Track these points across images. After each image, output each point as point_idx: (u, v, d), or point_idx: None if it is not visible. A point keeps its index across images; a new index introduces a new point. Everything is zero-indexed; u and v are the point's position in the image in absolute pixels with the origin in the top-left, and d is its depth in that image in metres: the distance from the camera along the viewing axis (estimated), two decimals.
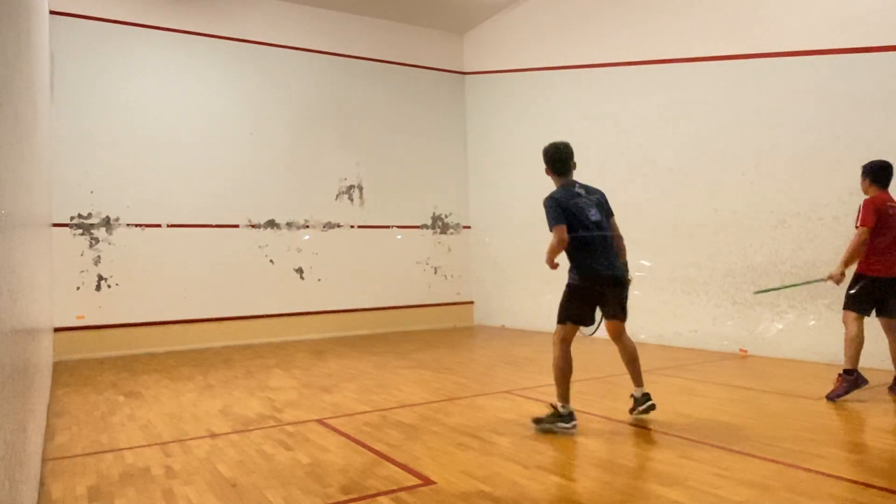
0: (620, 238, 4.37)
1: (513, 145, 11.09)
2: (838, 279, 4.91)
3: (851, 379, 4.82)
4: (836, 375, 4.94)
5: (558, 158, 4.23)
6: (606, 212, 4.29)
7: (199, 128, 9.76)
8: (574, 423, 4.05)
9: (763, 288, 6.44)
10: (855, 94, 6.33)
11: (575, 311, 4.17)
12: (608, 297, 4.21)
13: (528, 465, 3.50)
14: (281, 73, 10.51)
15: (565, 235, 4.04)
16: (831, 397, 4.87)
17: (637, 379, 4.44)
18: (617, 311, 4.28)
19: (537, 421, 4.17)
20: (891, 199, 4.93)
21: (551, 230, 4.07)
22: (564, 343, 4.15)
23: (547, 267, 4.42)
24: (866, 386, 4.86)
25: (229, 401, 5.53)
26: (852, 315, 4.89)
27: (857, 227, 4.84)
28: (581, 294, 4.17)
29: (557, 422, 4.03)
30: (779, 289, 6.18)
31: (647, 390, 4.48)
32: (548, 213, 4.10)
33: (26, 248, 2.98)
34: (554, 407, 4.14)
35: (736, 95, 7.46)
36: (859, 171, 6.28)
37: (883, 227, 4.82)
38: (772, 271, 7.05)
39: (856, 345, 4.83)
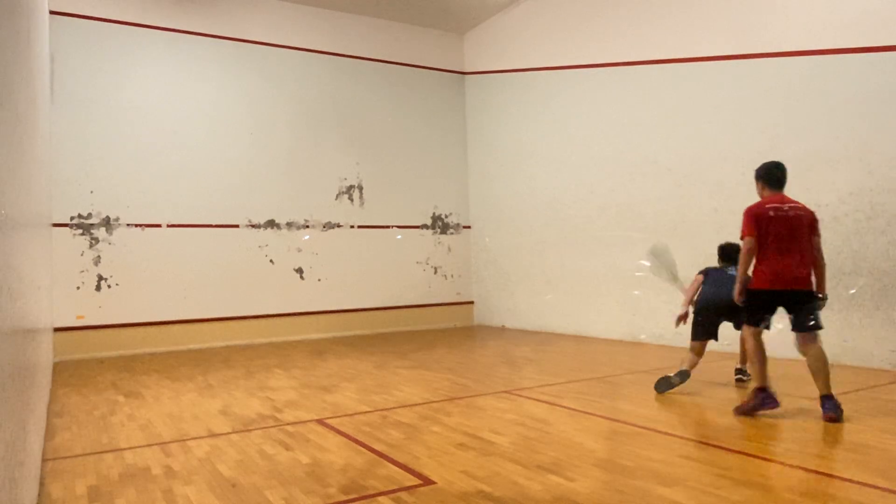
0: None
1: (513, 145, 11.09)
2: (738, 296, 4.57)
3: (761, 396, 4.43)
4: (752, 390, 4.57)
5: (722, 254, 5.73)
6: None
7: (199, 128, 9.76)
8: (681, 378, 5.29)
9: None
10: (855, 94, 6.33)
11: (697, 328, 5.45)
12: (724, 316, 5.39)
13: (528, 465, 3.50)
14: (281, 73, 10.51)
15: (696, 282, 5.57)
16: (738, 412, 4.48)
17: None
18: (737, 325, 5.45)
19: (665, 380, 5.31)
20: (779, 201, 4.56)
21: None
22: (695, 354, 5.41)
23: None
24: (776, 408, 4.42)
25: (229, 401, 5.53)
26: (749, 329, 4.62)
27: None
28: (699, 316, 5.47)
29: (674, 377, 5.28)
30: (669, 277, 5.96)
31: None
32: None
33: (26, 248, 2.98)
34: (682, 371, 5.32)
35: (736, 95, 7.46)
36: (859, 171, 6.30)
37: (761, 235, 4.47)
38: None
39: (757, 361, 4.52)
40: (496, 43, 11.57)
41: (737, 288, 4.60)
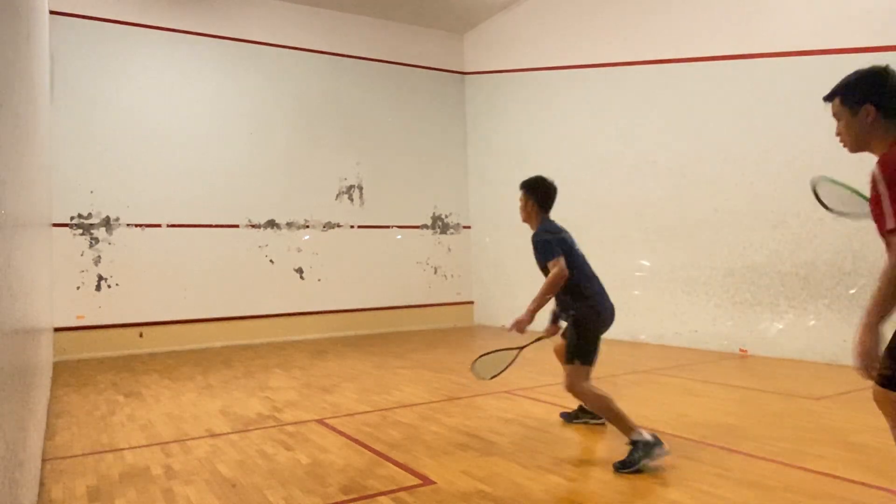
0: None
1: (513, 145, 11.09)
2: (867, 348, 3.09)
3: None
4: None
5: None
6: None
7: (199, 128, 9.76)
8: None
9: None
10: None
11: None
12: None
13: (528, 465, 3.50)
14: (281, 73, 10.51)
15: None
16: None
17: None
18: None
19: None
20: None
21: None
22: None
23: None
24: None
25: (229, 401, 5.53)
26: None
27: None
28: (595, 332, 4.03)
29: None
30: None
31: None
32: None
33: (26, 248, 2.98)
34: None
35: (736, 95, 7.46)
36: (859, 172, 6.29)
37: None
38: (772, 271, 7.06)
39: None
40: (496, 43, 11.57)
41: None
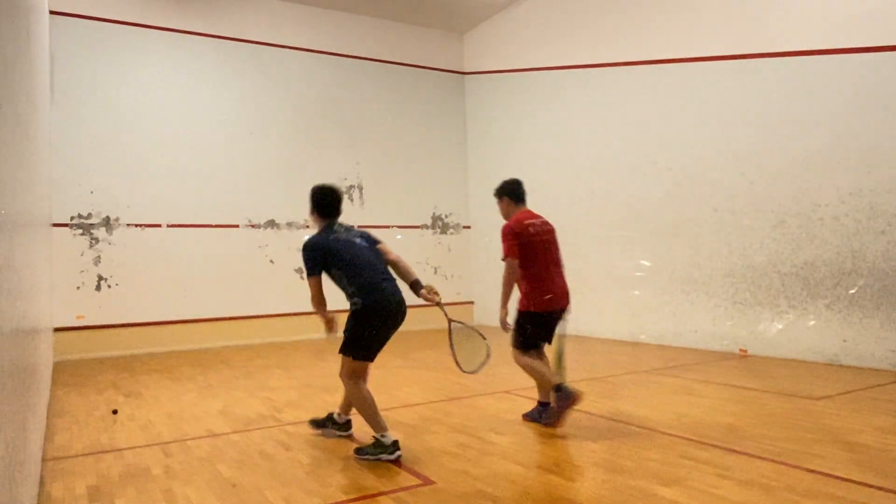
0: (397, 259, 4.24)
1: (513, 145, 11.10)
2: (503, 323, 4.61)
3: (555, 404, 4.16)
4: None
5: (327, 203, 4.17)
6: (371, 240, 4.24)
7: (199, 128, 9.76)
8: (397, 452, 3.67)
9: None
10: (855, 94, 6.33)
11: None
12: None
13: (528, 465, 3.50)
14: (281, 73, 10.51)
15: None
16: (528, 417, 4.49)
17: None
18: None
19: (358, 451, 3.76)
20: (532, 217, 4.46)
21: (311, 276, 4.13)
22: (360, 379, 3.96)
23: None
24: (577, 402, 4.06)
25: (229, 401, 5.53)
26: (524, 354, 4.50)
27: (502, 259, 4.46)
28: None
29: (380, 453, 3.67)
30: None
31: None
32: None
33: (26, 248, 2.98)
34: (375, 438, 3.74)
35: (736, 95, 7.46)
36: (859, 171, 6.30)
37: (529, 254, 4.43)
38: (772, 271, 7.06)
39: (539, 375, 4.33)
40: (496, 43, 11.57)
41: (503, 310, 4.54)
